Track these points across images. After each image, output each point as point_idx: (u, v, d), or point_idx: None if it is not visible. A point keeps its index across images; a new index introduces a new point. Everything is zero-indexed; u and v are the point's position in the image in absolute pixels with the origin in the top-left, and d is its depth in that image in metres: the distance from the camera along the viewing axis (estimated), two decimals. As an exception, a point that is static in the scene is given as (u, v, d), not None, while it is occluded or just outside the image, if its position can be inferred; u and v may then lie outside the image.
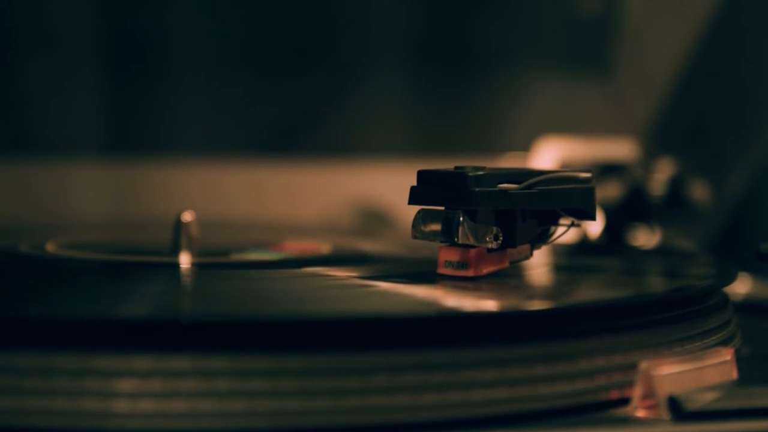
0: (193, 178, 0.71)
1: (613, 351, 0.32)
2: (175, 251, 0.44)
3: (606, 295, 0.37)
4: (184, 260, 0.43)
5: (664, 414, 0.31)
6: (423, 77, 0.74)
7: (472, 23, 0.75)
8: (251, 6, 0.73)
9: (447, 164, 0.38)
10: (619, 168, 0.57)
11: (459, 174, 0.36)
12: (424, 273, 0.38)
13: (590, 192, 0.38)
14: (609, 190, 0.56)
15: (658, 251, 0.53)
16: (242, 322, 0.30)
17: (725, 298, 0.40)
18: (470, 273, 0.37)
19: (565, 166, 0.58)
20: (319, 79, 0.74)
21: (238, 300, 0.35)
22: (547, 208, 0.38)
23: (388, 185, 0.66)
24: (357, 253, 0.47)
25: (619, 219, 0.55)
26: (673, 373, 0.32)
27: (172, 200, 0.69)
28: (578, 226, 0.40)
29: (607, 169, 0.57)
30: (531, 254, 0.39)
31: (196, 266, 0.42)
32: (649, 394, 0.32)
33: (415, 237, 0.37)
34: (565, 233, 0.39)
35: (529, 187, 0.37)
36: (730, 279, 0.40)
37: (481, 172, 0.36)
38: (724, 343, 0.36)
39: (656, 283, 0.43)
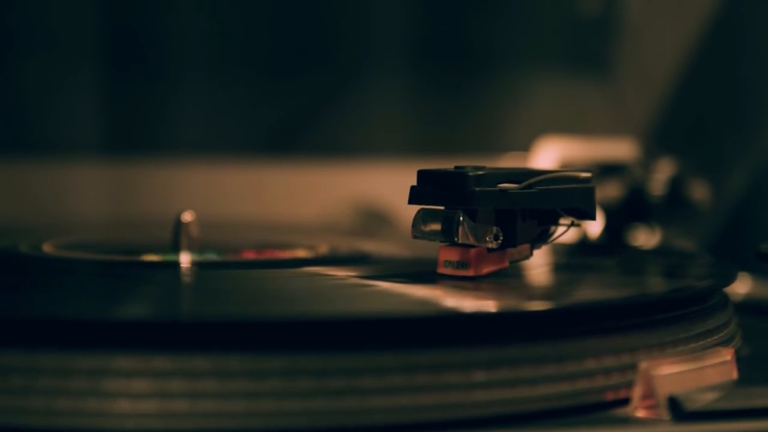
0: (193, 178, 0.71)
1: (613, 351, 0.32)
2: (175, 251, 0.44)
3: (606, 295, 0.37)
4: (184, 260, 0.43)
5: (664, 414, 0.31)
6: (423, 77, 0.74)
7: (472, 23, 0.75)
8: (251, 6, 0.73)
9: (447, 164, 0.38)
10: (619, 168, 0.57)
11: (459, 174, 0.36)
12: (423, 273, 0.38)
13: (590, 192, 0.38)
14: (609, 190, 0.56)
15: (658, 251, 0.53)
16: (239, 322, 0.30)
17: (725, 299, 0.40)
18: (470, 273, 0.37)
19: (565, 166, 0.58)
20: (319, 79, 0.74)
21: (237, 300, 0.35)
22: (547, 208, 0.38)
23: (388, 185, 0.66)
24: (357, 253, 0.47)
25: (619, 219, 0.55)
26: (673, 373, 0.32)
27: (172, 200, 0.69)
28: (578, 225, 0.40)
29: (607, 169, 0.57)
30: (531, 254, 0.39)
31: (196, 266, 0.42)
32: (649, 394, 0.32)
33: (414, 237, 0.37)
34: (565, 233, 0.39)
35: (529, 186, 0.37)
36: (730, 279, 0.40)
37: (481, 172, 0.36)
38: (724, 343, 0.36)
39: (656, 283, 0.43)
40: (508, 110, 0.75)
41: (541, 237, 0.39)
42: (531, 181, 0.37)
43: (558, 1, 0.76)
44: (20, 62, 0.70)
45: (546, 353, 0.31)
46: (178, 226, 0.44)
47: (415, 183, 0.37)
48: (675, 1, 0.74)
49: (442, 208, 0.37)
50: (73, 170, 0.70)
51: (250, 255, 0.45)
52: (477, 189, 0.36)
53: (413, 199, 0.37)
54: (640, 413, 0.31)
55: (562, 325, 0.32)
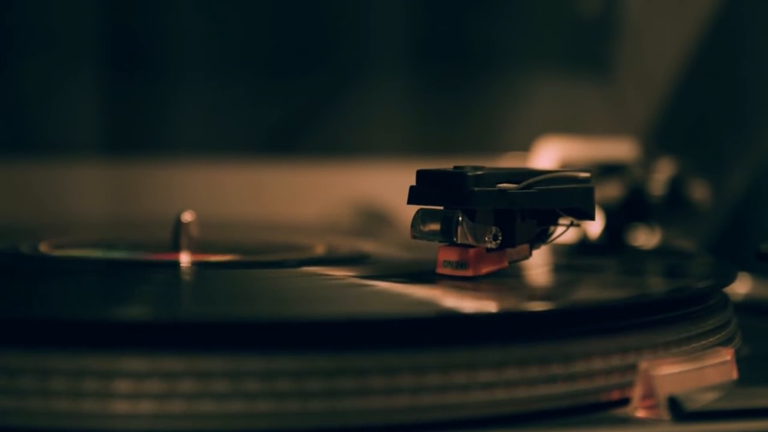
0: (193, 178, 0.71)
1: (613, 351, 0.32)
2: (175, 251, 0.44)
3: (606, 295, 0.37)
4: (184, 260, 0.43)
5: (664, 414, 0.31)
6: (423, 77, 0.74)
7: (472, 23, 0.75)
8: (251, 6, 0.73)
9: (447, 164, 0.38)
10: (619, 168, 0.57)
11: (458, 174, 0.36)
12: (423, 273, 0.38)
13: (589, 192, 0.38)
14: (609, 190, 0.56)
15: (658, 251, 0.53)
16: (240, 322, 0.30)
17: (725, 299, 0.40)
18: (469, 273, 0.37)
19: (565, 166, 0.58)
20: (319, 79, 0.74)
21: (237, 300, 0.35)
22: (547, 208, 0.38)
23: (388, 185, 0.66)
24: (357, 253, 0.47)
25: (619, 219, 0.55)
26: (673, 373, 0.32)
27: (172, 200, 0.69)
28: (577, 225, 0.40)
29: (607, 169, 0.57)
30: (530, 254, 0.39)
31: (196, 266, 0.42)
32: (649, 394, 0.32)
33: (414, 237, 0.37)
34: (564, 233, 0.39)
35: (528, 186, 0.37)
36: (730, 279, 0.40)
37: (480, 172, 0.36)
38: (724, 343, 0.36)
39: (656, 283, 0.43)
40: (508, 110, 0.75)
41: (541, 237, 0.39)
42: (530, 181, 0.37)
43: (558, 1, 0.76)
44: (20, 62, 0.70)
45: (546, 353, 0.31)
46: (178, 226, 0.44)
47: (414, 183, 0.37)
48: (675, 1, 0.74)
49: (441, 208, 0.37)
50: (73, 170, 0.70)
51: (167, 257, 0.45)
52: (476, 189, 0.36)
53: (412, 199, 0.37)
54: (640, 413, 0.31)
55: (562, 326, 0.32)
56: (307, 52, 0.73)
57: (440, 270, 0.37)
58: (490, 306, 0.34)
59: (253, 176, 0.72)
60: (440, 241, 0.37)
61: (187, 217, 0.44)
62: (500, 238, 0.37)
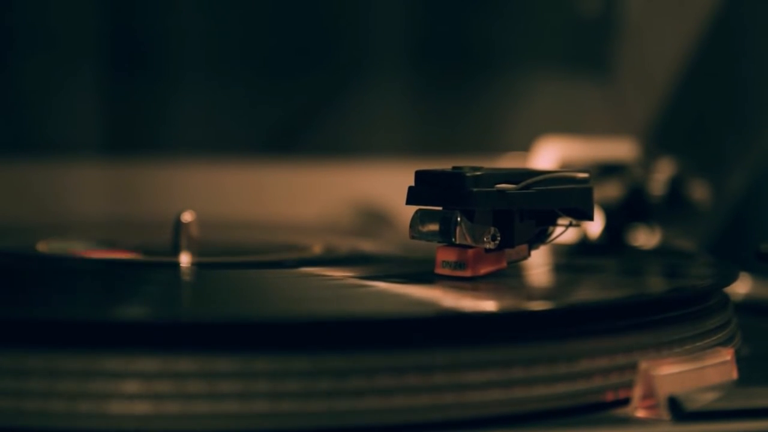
0: (193, 178, 0.71)
1: (613, 351, 0.32)
2: (175, 251, 0.44)
3: (606, 295, 0.37)
4: (184, 260, 0.43)
5: (664, 414, 0.31)
6: (423, 77, 0.74)
7: (472, 23, 0.75)
8: (251, 6, 0.73)
9: (447, 164, 0.38)
10: (619, 168, 0.57)
11: (457, 174, 0.36)
12: (422, 273, 0.38)
13: (588, 192, 0.38)
14: (609, 190, 0.56)
15: (658, 251, 0.53)
16: (239, 323, 0.30)
17: (725, 299, 0.40)
18: (468, 273, 0.37)
19: (565, 166, 0.58)
20: (319, 79, 0.74)
21: (236, 301, 0.35)
22: (545, 209, 0.38)
23: (388, 185, 0.66)
24: (356, 253, 0.47)
25: (619, 219, 0.55)
26: (673, 373, 0.32)
27: (172, 200, 0.69)
28: (577, 226, 0.40)
29: (607, 169, 0.57)
30: (529, 254, 0.39)
31: (196, 266, 0.42)
32: (649, 394, 0.32)
33: (412, 237, 0.37)
34: (563, 233, 0.39)
35: (527, 187, 0.37)
36: (732, 279, 0.40)
37: (478, 173, 0.36)
38: (724, 343, 0.36)
39: (656, 283, 0.43)
40: (508, 110, 0.75)
41: (540, 237, 0.39)
42: (529, 181, 0.37)
43: (558, 1, 0.76)
44: (20, 62, 0.70)
45: (546, 353, 0.31)
46: (178, 226, 0.44)
47: (413, 183, 0.37)
48: (675, 1, 0.74)
49: (439, 208, 0.37)
50: (73, 170, 0.70)
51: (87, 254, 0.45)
52: (474, 189, 0.36)
53: (411, 199, 0.37)
54: (640, 413, 0.31)
55: (562, 326, 0.32)
56: (307, 52, 0.73)
57: (439, 270, 0.37)
58: (489, 306, 0.34)
59: (253, 176, 0.72)
60: (439, 242, 0.37)
61: (187, 217, 0.44)
62: (499, 238, 0.37)
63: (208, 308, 0.34)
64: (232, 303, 0.34)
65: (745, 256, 0.43)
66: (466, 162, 0.39)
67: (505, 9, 0.75)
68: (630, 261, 0.49)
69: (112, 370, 0.28)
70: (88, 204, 0.70)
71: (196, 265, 0.42)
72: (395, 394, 0.29)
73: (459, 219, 0.36)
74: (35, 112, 0.71)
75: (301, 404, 0.29)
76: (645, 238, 0.55)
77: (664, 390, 0.31)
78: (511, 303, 0.35)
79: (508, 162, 0.65)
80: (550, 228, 0.39)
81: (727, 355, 0.34)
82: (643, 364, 0.32)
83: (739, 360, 0.35)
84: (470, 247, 0.37)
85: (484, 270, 0.37)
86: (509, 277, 0.38)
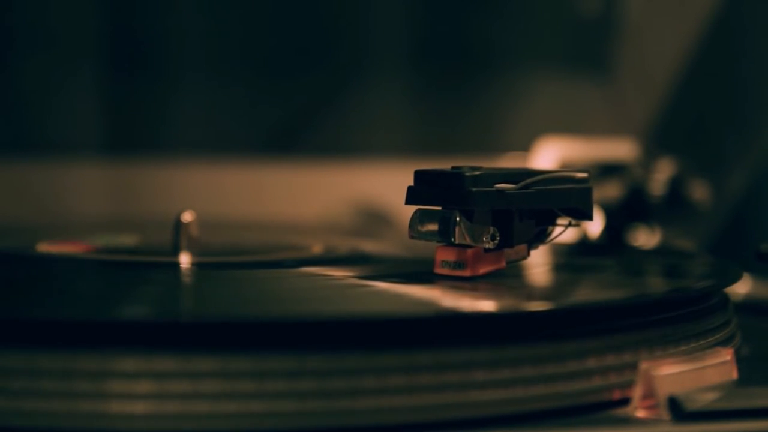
0: (193, 178, 0.71)
1: (613, 351, 0.32)
2: (175, 251, 0.44)
3: (606, 295, 0.37)
4: (184, 260, 0.43)
5: (664, 414, 0.31)
6: (423, 77, 0.74)
7: (472, 23, 0.75)
8: (251, 6, 0.73)
9: (447, 164, 0.38)
10: (619, 168, 0.57)
11: (456, 174, 0.36)
12: (421, 273, 0.38)
13: (587, 192, 0.38)
14: (609, 190, 0.56)
15: (658, 251, 0.53)
16: (239, 323, 0.30)
17: (725, 298, 0.40)
18: (467, 273, 0.37)
19: (565, 166, 0.58)
20: (319, 80, 0.74)
21: (236, 301, 0.35)
22: (545, 208, 0.38)
23: (388, 185, 0.65)
24: (356, 253, 0.47)
25: (619, 219, 0.55)
26: (673, 373, 0.32)
27: (172, 200, 0.69)
28: (576, 226, 0.40)
29: (607, 169, 0.57)
30: (528, 254, 0.39)
31: (196, 266, 0.42)
32: (649, 394, 0.32)
33: (411, 237, 0.37)
34: (562, 233, 0.39)
35: (526, 187, 0.37)
36: (734, 279, 0.40)
37: (478, 172, 0.36)
38: (724, 343, 0.36)
39: (656, 283, 0.43)
40: (508, 110, 0.75)
41: (539, 237, 0.39)
42: (528, 181, 0.37)
43: (558, 1, 0.76)
44: (20, 62, 0.70)
45: (546, 353, 0.31)
46: (178, 226, 0.44)
47: (412, 183, 0.37)
48: (675, 1, 0.74)
49: (439, 208, 0.37)
50: (73, 170, 0.70)
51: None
52: (474, 189, 0.36)
53: (410, 199, 0.37)
54: (640, 413, 0.31)
55: (562, 326, 0.32)
56: (307, 52, 0.73)
57: (438, 270, 0.37)
58: (488, 306, 0.34)
59: (253, 176, 0.72)
60: (438, 242, 0.37)
61: (187, 217, 0.44)
62: (498, 238, 0.37)
63: (207, 309, 0.34)
64: (232, 303, 0.34)
65: (745, 256, 0.43)
66: (466, 162, 0.39)
67: (505, 9, 0.75)
68: (630, 261, 0.49)
69: (108, 369, 0.28)
70: (88, 204, 0.70)
71: (196, 265, 0.42)
72: (394, 394, 0.29)
73: (458, 219, 0.36)
74: (35, 112, 0.71)
75: (300, 404, 0.29)
76: (645, 238, 0.55)
77: (664, 390, 0.31)
78: (510, 303, 0.35)
79: (508, 162, 0.65)
80: (550, 228, 0.39)
81: (727, 355, 0.34)
82: (643, 364, 0.32)
83: (739, 360, 0.35)
84: (469, 246, 0.37)
85: (483, 270, 0.37)
86: (508, 277, 0.38)
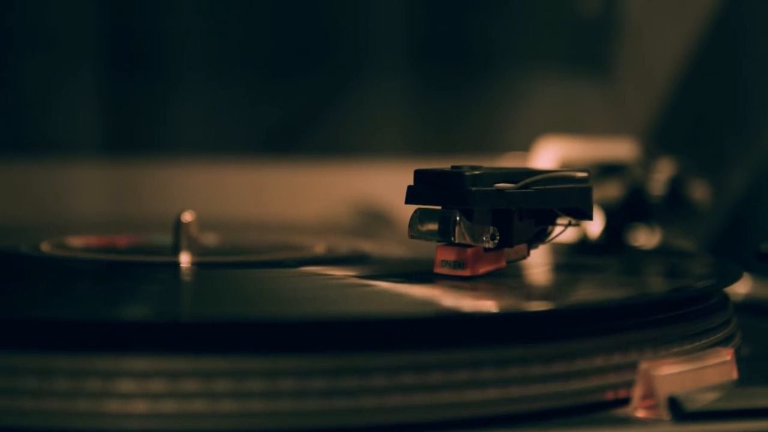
0: (193, 178, 0.71)
1: (613, 351, 0.32)
2: (175, 251, 0.44)
3: (606, 295, 0.37)
4: (184, 260, 0.43)
5: (664, 414, 0.31)
6: (423, 77, 0.74)
7: (472, 23, 0.75)
8: (251, 6, 0.73)
9: (447, 164, 0.38)
10: (619, 168, 0.57)
11: (456, 173, 0.36)
12: (421, 273, 0.38)
13: (587, 191, 0.38)
14: (609, 190, 0.56)
15: (658, 251, 0.53)
16: (239, 323, 0.30)
17: (725, 298, 0.40)
18: (467, 273, 0.37)
19: (565, 166, 0.58)
20: (319, 80, 0.74)
21: (236, 301, 0.35)
22: (545, 208, 0.38)
23: (388, 185, 0.65)
24: (356, 253, 0.47)
25: (619, 219, 0.55)
26: (673, 373, 0.32)
27: (172, 200, 0.69)
28: (576, 225, 0.40)
29: (607, 169, 0.57)
30: (528, 254, 0.39)
31: (196, 266, 0.42)
32: (649, 394, 0.32)
33: (411, 236, 0.37)
34: (562, 233, 0.39)
35: (526, 186, 0.37)
36: (735, 279, 0.40)
37: (477, 172, 0.36)
38: (724, 343, 0.36)
39: (656, 283, 0.43)
40: (508, 110, 0.75)
41: (539, 237, 0.39)
42: (528, 180, 0.37)
43: (558, 1, 0.76)
44: (20, 62, 0.70)
45: (546, 353, 0.31)
46: (178, 226, 0.44)
47: (412, 183, 0.37)
48: (675, 1, 0.74)
49: (439, 207, 0.37)
50: (73, 170, 0.70)
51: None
52: (474, 189, 0.36)
53: (410, 198, 0.37)
54: (640, 413, 0.31)
55: (562, 325, 0.32)
56: (307, 52, 0.73)
57: (438, 270, 0.37)
58: (489, 306, 0.34)
59: (253, 176, 0.72)
60: (438, 241, 0.37)
61: (187, 217, 0.44)
62: (498, 237, 0.37)
63: (207, 309, 0.34)
64: (231, 303, 0.34)
65: (745, 256, 0.43)
66: (466, 162, 0.39)
67: (505, 9, 0.75)
68: (630, 261, 0.49)
69: (109, 369, 0.28)
70: (88, 204, 0.70)
71: (196, 265, 0.42)
72: (393, 394, 0.29)
73: (458, 218, 0.36)
74: (35, 112, 0.71)
75: (298, 404, 0.29)
76: (645, 238, 0.55)
77: (664, 390, 0.31)
78: (510, 303, 0.35)
79: (508, 162, 0.65)
80: (550, 227, 0.39)
81: (727, 355, 0.34)
82: (643, 364, 0.32)
83: (739, 360, 0.35)
84: (469, 246, 0.37)
85: (483, 269, 0.37)
86: (508, 277, 0.38)
